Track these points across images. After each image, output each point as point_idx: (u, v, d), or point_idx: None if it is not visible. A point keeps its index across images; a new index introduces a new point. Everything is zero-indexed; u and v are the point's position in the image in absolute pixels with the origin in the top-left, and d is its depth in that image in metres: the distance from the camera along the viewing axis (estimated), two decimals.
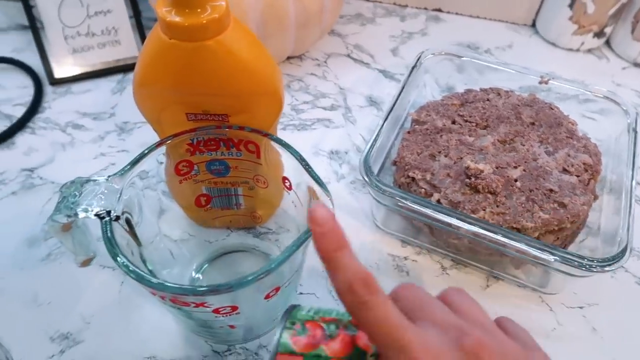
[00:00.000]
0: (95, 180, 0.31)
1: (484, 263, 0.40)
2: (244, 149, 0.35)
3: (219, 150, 0.35)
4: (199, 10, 0.29)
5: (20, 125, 0.51)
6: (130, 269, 0.26)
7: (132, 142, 0.50)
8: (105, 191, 0.31)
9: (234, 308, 0.29)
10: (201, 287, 0.26)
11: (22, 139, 0.50)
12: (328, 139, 0.51)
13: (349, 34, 0.63)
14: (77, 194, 0.30)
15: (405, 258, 0.42)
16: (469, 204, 0.37)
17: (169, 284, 0.26)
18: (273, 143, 0.33)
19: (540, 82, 0.46)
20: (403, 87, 0.44)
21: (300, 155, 0.32)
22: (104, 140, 0.50)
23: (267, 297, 0.30)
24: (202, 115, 0.34)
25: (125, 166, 0.32)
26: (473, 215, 0.36)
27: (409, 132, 0.43)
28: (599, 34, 0.59)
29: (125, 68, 0.57)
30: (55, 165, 0.48)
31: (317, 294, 0.39)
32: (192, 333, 0.37)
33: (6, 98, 0.54)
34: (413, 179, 0.40)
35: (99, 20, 0.55)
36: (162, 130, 0.36)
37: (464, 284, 0.40)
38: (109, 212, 0.29)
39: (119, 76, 0.56)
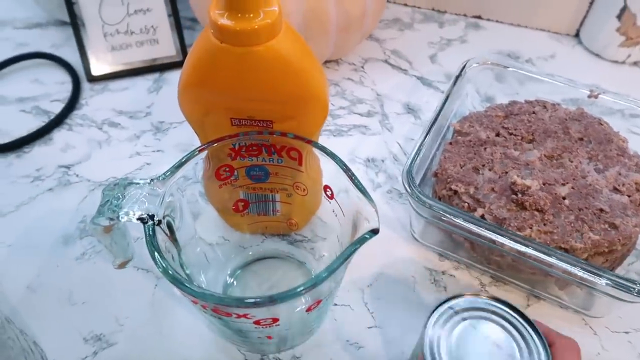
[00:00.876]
0: (137, 184, 0.31)
1: (526, 282, 0.39)
2: (285, 155, 0.35)
3: (260, 156, 0.35)
4: (251, 15, 0.28)
5: (58, 121, 0.51)
6: (177, 278, 0.26)
7: (168, 143, 0.50)
8: (148, 195, 0.30)
9: (275, 320, 0.28)
10: (248, 299, 0.25)
11: (59, 135, 0.50)
12: (364, 146, 0.50)
13: (387, 38, 0.62)
14: (119, 196, 0.30)
15: (443, 272, 0.41)
16: (515, 221, 0.36)
17: (216, 295, 0.25)
18: (316, 151, 0.33)
19: (589, 96, 0.44)
20: (447, 97, 0.43)
21: (345, 165, 0.32)
22: (139, 139, 0.50)
23: (308, 309, 0.29)
24: (246, 120, 0.33)
25: (169, 170, 0.31)
26: (520, 233, 0.34)
27: (450, 143, 0.42)
28: None
29: (162, 67, 0.57)
30: (92, 163, 0.48)
31: (352, 305, 0.39)
32: (225, 340, 0.36)
33: (44, 94, 0.54)
34: (455, 192, 0.39)
35: (138, 18, 0.55)
36: (205, 134, 0.36)
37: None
38: (152, 217, 0.29)
39: (155, 75, 0.56)
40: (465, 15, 0.65)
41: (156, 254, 0.27)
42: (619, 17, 0.56)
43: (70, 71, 0.56)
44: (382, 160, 0.49)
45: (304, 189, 0.37)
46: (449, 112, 0.45)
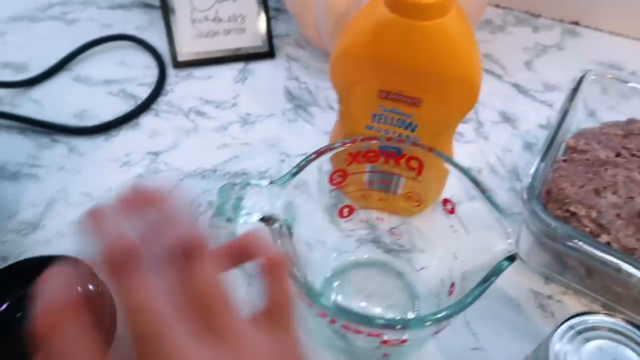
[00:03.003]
0: (258, 185, 0.29)
1: None
2: (404, 164, 0.33)
3: (377, 163, 0.33)
4: None
5: (144, 106, 0.50)
6: (313, 291, 0.24)
7: (255, 136, 0.48)
8: (269, 196, 0.29)
9: (404, 341, 0.27)
10: (399, 320, 0.23)
11: (146, 121, 0.49)
12: (458, 153, 0.47)
13: (479, 41, 0.58)
14: (240, 197, 0.29)
15: (549, 297, 0.38)
16: None
17: (360, 314, 0.23)
18: (446, 163, 0.31)
19: None
20: (566, 112, 0.40)
21: (477, 180, 0.30)
22: (226, 130, 0.49)
23: (436, 332, 0.28)
24: (395, 95, 0.33)
25: (288, 174, 0.30)
26: None
27: (565, 161, 0.39)
28: None
29: (247, 57, 0.55)
30: (179, 152, 0.47)
31: (454, 324, 0.37)
32: (327, 349, 0.35)
33: (130, 77, 0.53)
34: (573, 214, 0.36)
35: (227, 6, 0.54)
36: (348, 104, 0.36)
37: None
38: (275, 220, 0.28)
39: (240, 65, 0.55)
40: (561, 20, 0.61)
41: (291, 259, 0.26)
42: None
43: (156, 55, 0.55)
44: (479, 171, 0.46)
45: (418, 201, 0.35)
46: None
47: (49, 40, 0.57)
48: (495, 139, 0.49)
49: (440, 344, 0.36)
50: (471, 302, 0.25)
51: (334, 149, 0.31)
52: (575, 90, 0.42)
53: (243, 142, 0.48)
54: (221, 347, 0.18)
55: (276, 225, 0.27)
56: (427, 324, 0.24)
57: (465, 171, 0.30)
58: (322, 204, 0.36)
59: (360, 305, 0.37)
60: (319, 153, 0.31)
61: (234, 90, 0.53)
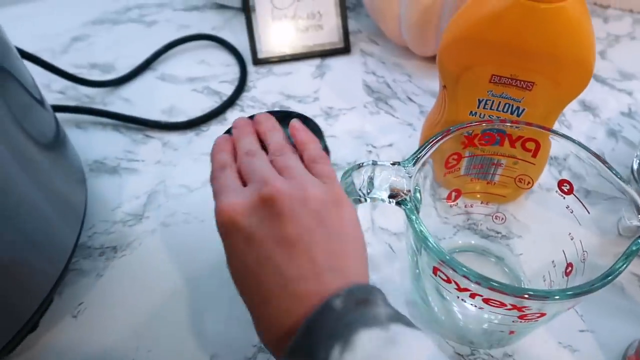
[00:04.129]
0: (384, 165, 0.30)
1: None
2: (519, 146, 0.33)
3: (492, 146, 0.34)
4: None
5: (230, 102, 0.52)
6: (458, 263, 0.25)
7: (339, 128, 0.50)
8: (397, 176, 0.30)
9: (543, 314, 0.27)
10: (550, 290, 0.24)
11: (233, 116, 0.51)
12: None
13: None
14: (371, 176, 0.30)
15: None
16: None
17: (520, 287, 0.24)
18: (559, 138, 0.31)
19: None
20: None
21: (601, 157, 0.30)
22: None
23: (569, 308, 0.28)
24: (507, 79, 0.34)
25: (414, 154, 0.31)
26: None
27: None
28: None
29: (324, 53, 0.57)
30: None
31: None
32: (441, 329, 0.36)
33: (212, 74, 0.55)
34: None
35: (306, 3, 0.55)
36: (455, 89, 0.36)
37: None
38: (406, 197, 0.29)
39: (317, 61, 0.57)
40: (631, 11, 0.61)
41: (420, 233, 0.27)
42: None
43: (235, 54, 0.57)
44: (564, 159, 0.47)
45: (529, 182, 0.35)
46: None
47: (131, 42, 0.59)
48: (578, 127, 0.49)
49: (548, 326, 0.36)
50: (615, 277, 0.25)
51: (462, 128, 0.31)
52: None
53: (329, 134, 0.49)
54: (292, 179, 0.27)
55: (410, 204, 0.28)
56: (575, 295, 0.24)
57: (583, 146, 0.31)
58: (427, 190, 0.37)
59: None
60: (442, 136, 0.32)
61: (314, 85, 0.54)
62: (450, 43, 0.34)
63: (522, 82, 0.34)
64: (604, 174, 0.30)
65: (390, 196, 0.29)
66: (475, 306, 0.28)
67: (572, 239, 0.33)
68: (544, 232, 0.36)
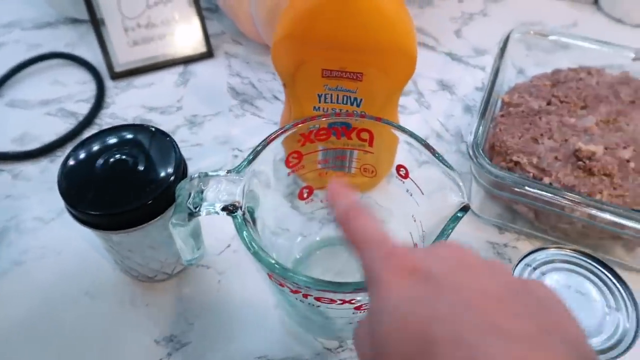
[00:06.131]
0: (216, 175, 0.30)
1: (590, 247, 0.39)
2: (355, 137, 0.34)
3: (328, 140, 0.34)
4: None
5: (87, 122, 0.49)
6: (284, 268, 0.25)
7: (205, 136, 0.49)
8: (228, 186, 0.29)
9: None
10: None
11: None
12: (404, 125, 0.49)
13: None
14: (200, 190, 0.29)
15: (505, 245, 0.41)
16: (584, 187, 0.35)
17: (334, 282, 0.24)
18: (392, 129, 0.32)
19: (634, 59, 0.44)
20: (497, 70, 0.43)
21: (425, 141, 0.31)
22: (175, 134, 0.48)
23: None
24: (337, 72, 0.34)
25: (245, 160, 0.30)
26: (597, 198, 0.34)
27: (502, 116, 0.42)
28: None
29: (187, 60, 0.55)
30: None
31: None
32: (301, 330, 0.36)
33: (67, 95, 0.52)
34: (516, 163, 0.38)
35: (159, 10, 0.53)
36: (294, 88, 0.36)
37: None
38: (237, 207, 0.28)
39: (180, 68, 0.55)
40: None
41: (255, 245, 0.26)
42: None
43: (91, 70, 0.54)
44: (426, 138, 0.48)
45: (372, 171, 0.36)
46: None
47: None
48: (437, 107, 0.51)
49: None
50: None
51: (286, 131, 0.31)
52: (502, 50, 0.45)
53: (193, 143, 0.48)
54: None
55: (239, 212, 0.28)
56: None
57: (413, 135, 0.32)
58: (281, 191, 0.37)
59: None
60: (271, 138, 0.32)
61: (177, 93, 0.52)
62: (278, 41, 0.34)
63: (351, 74, 0.34)
64: (432, 160, 0.31)
65: (225, 207, 0.29)
66: (313, 305, 0.28)
67: (414, 221, 0.34)
68: (399, 215, 0.37)
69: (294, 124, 0.32)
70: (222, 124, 0.50)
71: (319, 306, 0.28)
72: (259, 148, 0.31)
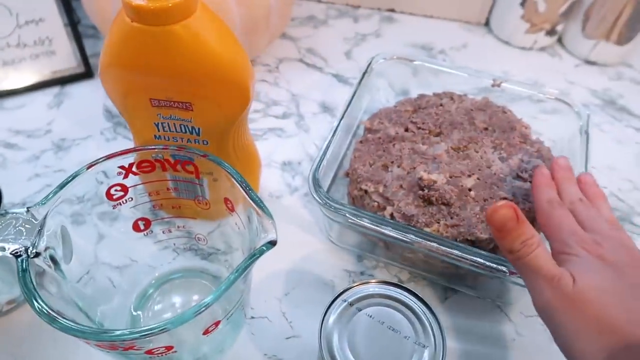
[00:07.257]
0: (13, 213, 0.28)
1: (441, 276, 0.39)
2: (181, 169, 0.33)
3: (153, 173, 0.33)
4: None
5: None
6: (51, 316, 0.24)
7: (70, 161, 0.47)
8: (26, 225, 0.28)
9: (169, 348, 0.27)
10: (113, 332, 0.23)
11: None
12: (280, 149, 0.49)
13: (302, 37, 0.61)
14: None
15: (362, 273, 0.40)
16: (423, 217, 0.35)
17: (87, 330, 0.23)
18: (212, 164, 0.31)
19: (493, 85, 0.45)
20: (354, 94, 0.43)
21: (241, 177, 0.30)
22: (39, 159, 0.47)
23: (205, 332, 0.28)
24: (165, 101, 0.33)
25: (50, 193, 0.29)
26: (426, 230, 0.34)
27: (361, 142, 0.42)
28: (550, 32, 0.59)
29: (63, 80, 0.53)
30: None
31: (269, 317, 0.37)
32: None
33: None
34: (366, 191, 0.38)
35: (30, 29, 0.51)
36: (130, 117, 0.36)
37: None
38: (27, 250, 0.27)
39: (55, 89, 0.53)
40: (379, 9, 0.65)
41: (25, 286, 0.25)
42: (522, 4, 0.57)
43: None
44: (299, 163, 0.48)
45: (206, 203, 0.35)
46: (358, 109, 0.45)
47: None
48: (316, 130, 0.51)
49: (255, 339, 0.36)
50: (225, 290, 0.25)
51: (95, 164, 0.30)
52: (364, 74, 0.44)
53: (57, 169, 0.46)
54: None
55: (24, 256, 0.26)
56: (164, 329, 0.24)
57: (232, 171, 0.31)
58: (120, 222, 0.35)
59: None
60: (88, 166, 0.31)
61: (49, 116, 0.50)
62: (103, 70, 0.33)
63: (179, 104, 0.33)
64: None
65: (15, 252, 0.27)
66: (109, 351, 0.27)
67: (243, 254, 0.33)
68: (237, 247, 0.36)
69: (107, 157, 0.31)
70: (91, 148, 0.48)
71: (108, 352, 0.26)
72: (69, 179, 0.30)
